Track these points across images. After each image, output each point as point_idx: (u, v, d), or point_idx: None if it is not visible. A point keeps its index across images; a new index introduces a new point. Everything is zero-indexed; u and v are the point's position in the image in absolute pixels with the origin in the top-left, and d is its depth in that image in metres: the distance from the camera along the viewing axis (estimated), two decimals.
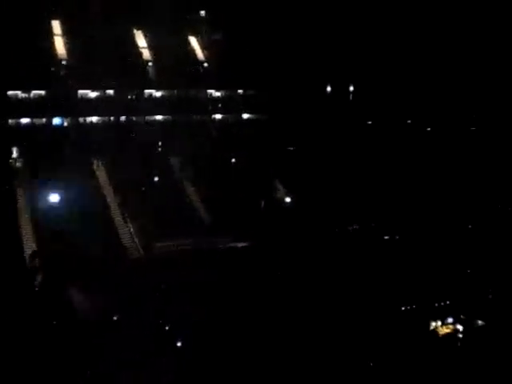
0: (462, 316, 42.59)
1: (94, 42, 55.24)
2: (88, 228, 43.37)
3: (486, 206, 51.25)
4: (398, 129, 57.00)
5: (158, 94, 58.09)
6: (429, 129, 57.16)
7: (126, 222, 47.39)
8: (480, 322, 42.39)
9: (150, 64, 58.41)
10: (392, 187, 52.50)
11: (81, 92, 54.98)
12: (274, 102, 58.68)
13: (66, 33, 56.44)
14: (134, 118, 56.29)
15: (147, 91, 57.52)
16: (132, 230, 46.89)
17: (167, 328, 37.49)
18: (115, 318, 37.38)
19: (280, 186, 54.17)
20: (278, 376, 33.86)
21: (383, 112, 57.58)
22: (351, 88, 60.15)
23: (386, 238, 49.12)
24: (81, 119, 54.67)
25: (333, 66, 58.86)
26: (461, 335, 41.99)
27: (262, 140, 55.56)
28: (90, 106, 55.10)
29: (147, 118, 56.86)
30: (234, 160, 55.90)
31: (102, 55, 54.42)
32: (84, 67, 54.37)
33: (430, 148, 55.25)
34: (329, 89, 60.32)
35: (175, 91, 58.19)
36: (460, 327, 42.28)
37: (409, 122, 57.72)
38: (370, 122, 58.15)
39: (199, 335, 36.22)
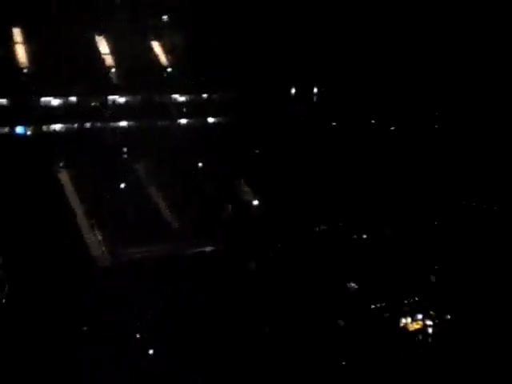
0: (431, 312, 43.30)
1: (56, 48, 54.75)
2: (54, 237, 42.84)
3: (451, 203, 51.84)
4: (363, 129, 57.59)
5: (122, 99, 57.71)
6: (392, 128, 57.78)
7: (93, 230, 46.82)
8: (449, 317, 43.17)
9: (113, 70, 58.09)
10: (359, 187, 52.90)
11: (43, 100, 54.42)
12: (238, 105, 58.96)
13: (26, 40, 55.77)
14: (98, 125, 55.79)
15: (111, 97, 57.06)
16: (99, 237, 46.35)
17: (137, 336, 37.35)
18: (85, 329, 37.00)
19: (247, 189, 54.22)
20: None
21: (347, 113, 58.24)
22: (315, 89, 60.69)
23: (354, 237, 49.41)
24: (44, 127, 54.04)
25: (296, 68, 59.15)
26: (431, 331, 42.80)
27: (228, 143, 55.50)
28: (53, 114, 54.56)
29: (112, 124, 56.42)
30: (200, 164, 55.82)
31: (63, 62, 53.97)
32: (46, 74, 53.87)
33: (394, 147, 55.88)
34: (293, 91, 60.82)
35: (139, 96, 57.85)
36: (430, 323, 43.05)
37: (373, 122, 58.28)
38: (334, 124, 58.75)
39: (170, 343, 36.18)
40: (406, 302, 44.18)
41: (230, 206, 52.10)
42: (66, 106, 55.27)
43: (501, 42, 54.20)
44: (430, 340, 42.57)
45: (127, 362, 34.20)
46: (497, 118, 53.69)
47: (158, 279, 40.56)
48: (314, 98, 61.09)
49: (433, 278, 46.42)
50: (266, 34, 58.70)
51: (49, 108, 54.92)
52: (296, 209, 50.89)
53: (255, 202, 53.12)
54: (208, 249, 46.30)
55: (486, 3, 54.31)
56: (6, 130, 52.67)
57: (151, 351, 36.58)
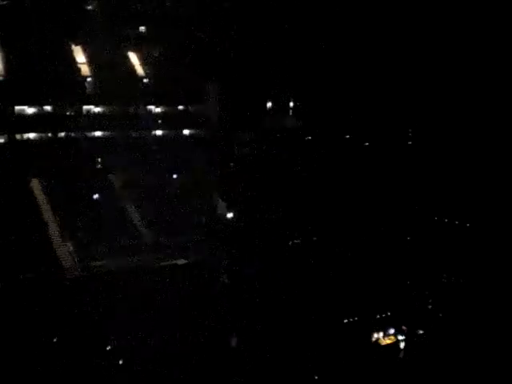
0: (403, 327, 44.05)
1: (31, 57, 54.47)
2: (24, 247, 42.73)
3: (423, 217, 52.22)
4: (337, 143, 57.93)
5: (97, 109, 57.57)
6: (367, 144, 58.13)
7: (64, 241, 46.55)
8: (421, 332, 43.53)
9: (88, 79, 57.87)
10: (333, 201, 52.70)
11: (17, 108, 54.09)
12: (214, 117, 59.11)
13: (1, 48, 55.41)
14: (72, 134, 55.56)
15: (86, 107, 56.97)
16: (71, 248, 46.04)
17: (108, 349, 37.88)
18: (54, 340, 37.06)
19: (221, 202, 54.10)
20: None
21: (322, 127, 58.48)
22: (291, 103, 60.93)
23: (327, 250, 49.17)
24: (18, 136, 53.73)
25: (272, 82, 59.44)
26: (402, 346, 43.35)
27: (203, 156, 55.51)
28: (27, 123, 54.22)
29: (86, 134, 56.27)
30: (174, 176, 55.79)
31: (39, 71, 53.73)
32: (21, 83, 53.59)
33: (368, 162, 55.91)
34: (269, 104, 60.96)
35: (115, 107, 57.72)
36: (401, 337, 43.83)
37: (347, 136, 58.67)
38: (309, 138, 58.91)
39: (142, 357, 36.35)
40: (377, 316, 44.89)
41: (203, 218, 52.02)
42: (40, 115, 54.94)
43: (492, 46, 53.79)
44: (401, 356, 43.13)
45: (96, 374, 34.73)
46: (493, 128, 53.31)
47: (130, 292, 40.23)
48: (290, 112, 61.52)
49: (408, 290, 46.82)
50: (244, 48, 59.02)
51: (23, 117, 54.48)
52: (272, 222, 50.70)
53: (229, 215, 53.02)
54: (181, 262, 46.05)
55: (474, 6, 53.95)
56: None
57: (121, 361, 37.08)
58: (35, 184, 51.05)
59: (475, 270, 46.46)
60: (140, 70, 61.37)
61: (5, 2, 55.09)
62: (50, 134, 54.95)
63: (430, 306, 46.08)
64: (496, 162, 50.49)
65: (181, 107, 60.70)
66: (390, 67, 56.91)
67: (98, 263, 45.01)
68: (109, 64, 58.23)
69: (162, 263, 46.01)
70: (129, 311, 38.63)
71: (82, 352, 36.27)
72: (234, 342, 40.24)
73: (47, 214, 48.74)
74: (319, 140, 58.24)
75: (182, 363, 36.23)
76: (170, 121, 59.96)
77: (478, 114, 52.34)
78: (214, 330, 39.62)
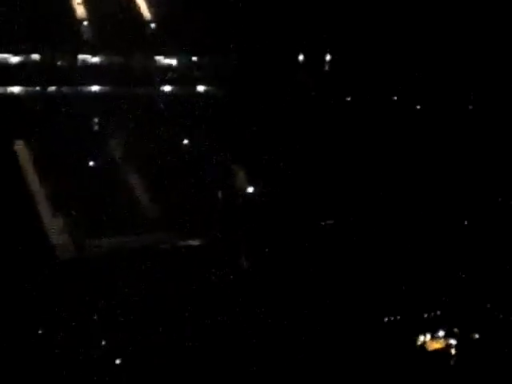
0: (455, 329, 43.99)
1: None
2: (7, 223, 42.76)
3: (484, 200, 51.16)
4: (383, 107, 56.39)
5: (95, 60, 55.90)
6: (419, 107, 56.35)
7: (55, 216, 46.55)
8: (477, 337, 43.56)
9: (85, 23, 56.50)
10: (375, 176, 52.00)
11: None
12: (235, 72, 57.60)
13: None
14: (64, 89, 54.06)
15: (81, 56, 55.27)
16: (62, 225, 46.16)
17: (104, 343, 38.25)
18: (40, 332, 37.24)
19: (242, 173, 53.33)
20: None
21: (365, 86, 56.94)
22: (327, 57, 59.22)
23: (366, 235, 48.66)
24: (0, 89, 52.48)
25: (306, 29, 57.72)
26: (454, 352, 43.36)
27: (221, 118, 54.41)
28: (11, 74, 52.94)
29: (81, 89, 54.70)
30: (186, 141, 54.57)
31: (25, 12, 52.36)
32: (3, 27, 51.81)
33: (420, 131, 54.69)
34: (301, 57, 59.26)
35: (116, 57, 56.07)
36: (453, 342, 43.74)
37: (395, 98, 56.93)
38: (349, 99, 57.33)
39: (141, 347, 37.54)
40: (425, 315, 44.58)
41: (220, 192, 51.34)
42: (26, 65, 53.56)
43: None
44: (452, 364, 42.99)
45: (89, 366, 36.05)
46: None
47: (132, 276, 41.04)
48: (326, 66, 59.57)
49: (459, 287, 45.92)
50: None
51: (5, 67, 53.13)
52: (299, 199, 50.23)
53: (250, 190, 52.14)
54: (193, 243, 46.27)
55: None
56: None
57: (118, 361, 37.67)
58: (20, 147, 50.32)
59: None
60: (147, 13, 59.64)
61: None
62: (37, 88, 53.51)
63: (489, 305, 45.41)
64: None
65: (194, 58, 58.69)
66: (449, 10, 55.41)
67: (96, 242, 45.15)
68: (109, 5, 57.19)
69: (170, 244, 45.89)
70: (129, 298, 39.60)
71: (74, 348, 36.89)
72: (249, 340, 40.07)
73: (34, 183, 48.38)
74: (361, 102, 56.73)
75: (187, 359, 37.34)
76: (182, 75, 58.11)
77: None
78: (227, 325, 39.94)
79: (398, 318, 43.69)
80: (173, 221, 47.78)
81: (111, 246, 44.75)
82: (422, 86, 56.33)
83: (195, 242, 46.27)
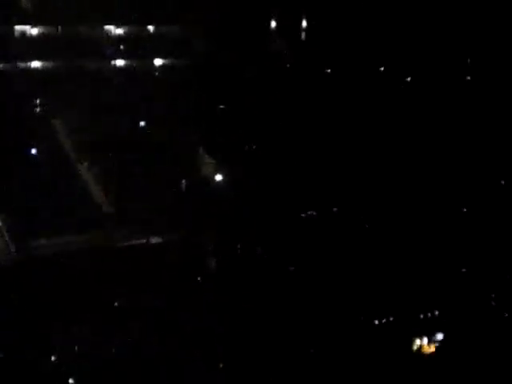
0: (454, 331, 42.25)
1: None
2: None
3: (488, 187, 49.83)
4: (367, 79, 54.54)
5: (35, 30, 53.54)
6: (409, 79, 54.32)
7: None
8: (478, 340, 40.89)
9: None
10: (359, 159, 50.05)
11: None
12: (198, 41, 55.60)
13: None
14: (1, 65, 51.51)
15: (19, 27, 52.89)
16: (1, 224, 44.14)
17: (52, 360, 35.97)
18: None
19: (208, 159, 51.05)
20: None
21: (347, 56, 55.02)
22: (303, 23, 57.13)
23: (352, 227, 46.87)
24: None
25: None
26: (452, 356, 40.83)
27: (183, 95, 51.92)
28: None
29: (20, 64, 52.34)
30: (143, 123, 52.18)
31: None
32: None
33: (409, 106, 52.98)
34: (273, 24, 57.21)
35: (59, 27, 53.63)
36: (451, 346, 41.85)
37: (381, 69, 54.89)
38: (328, 70, 55.15)
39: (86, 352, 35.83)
40: (421, 316, 42.60)
41: (183, 182, 48.72)
42: None
43: None
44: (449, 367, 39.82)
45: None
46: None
47: (80, 280, 38.57)
48: (302, 35, 57.43)
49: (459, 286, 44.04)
50: None
51: None
52: (274, 186, 47.65)
53: (218, 178, 49.68)
54: (153, 240, 44.06)
55: None
56: None
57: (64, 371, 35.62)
58: None
59: None
60: None
61: None
62: None
63: (493, 303, 43.83)
64: None
65: (151, 27, 56.60)
66: None
67: (40, 242, 42.73)
68: None
69: (128, 242, 43.74)
70: (79, 307, 37.03)
71: (19, 363, 34.30)
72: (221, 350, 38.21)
73: None
74: (343, 73, 55.17)
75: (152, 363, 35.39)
76: (137, 46, 55.87)
77: None
78: (197, 332, 37.44)
79: (391, 319, 41.73)
80: (130, 216, 45.11)
81: (55, 246, 42.13)
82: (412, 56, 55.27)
83: (155, 240, 44.04)
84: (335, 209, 48.86)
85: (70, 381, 35.49)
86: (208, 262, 44.12)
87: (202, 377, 35.77)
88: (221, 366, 37.38)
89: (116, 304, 39.08)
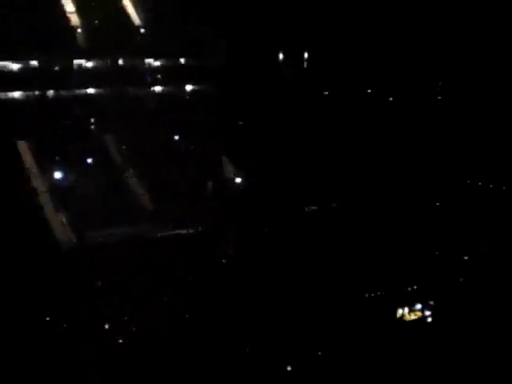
0: (431, 302, 45.06)
1: (14, 7, 54.06)
2: (13, 219, 43.14)
3: (455, 182, 52.69)
4: (358, 99, 57.69)
5: (89, 64, 57.31)
6: (391, 99, 58.01)
7: (56, 210, 47.47)
8: (451, 309, 44.53)
9: (79, 30, 57.79)
10: (353, 164, 53.27)
11: (0, 64, 54.09)
12: (221, 71, 58.54)
13: None
14: (62, 92, 55.46)
15: (76, 61, 56.55)
16: (64, 218, 46.96)
17: (106, 327, 38.43)
18: (48, 319, 37.65)
19: (230, 166, 54.67)
20: None
21: (341, 81, 58.16)
22: (305, 55, 60.68)
23: (348, 218, 49.84)
24: (1, 94, 53.77)
25: (285, 30, 59.02)
26: (429, 322, 44.65)
27: (209, 114, 55.20)
28: (12, 80, 54.46)
29: (77, 91, 56.04)
30: (176, 137, 55.98)
31: (23, 22, 53.45)
32: (4, 36, 52.98)
33: (393, 122, 56.01)
34: (281, 56, 60.72)
35: (108, 61, 57.50)
36: (429, 313, 44.90)
37: (369, 91, 58.56)
38: (326, 93, 58.73)
39: (140, 335, 37.63)
40: (403, 290, 45.53)
41: (210, 183, 52.72)
42: (25, 71, 55.03)
43: None
44: (429, 333, 43.91)
45: (92, 355, 35.12)
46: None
47: (130, 265, 40.87)
48: (304, 65, 61.18)
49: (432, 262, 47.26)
50: None
51: (6, 73, 54.59)
52: (286, 189, 51.22)
53: (238, 180, 53.73)
54: (185, 232, 46.76)
55: None
56: None
57: (120, 340, 37.81)
58: (22, 148, 51.26)
59: None
60: (136, 19, 61.36)
61: None
62: (37, 92, 54.92)
63: (461, 279, 46.69)
64: None
65: (182, 60, 60.38)
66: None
67: (94, 233, 45.58)
68: (101, 12, 58.21)
69: (165, 233, 46.27)
70: (128, 287, 39.28)
71: (79, 331, 36.84)
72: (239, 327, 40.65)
73: (36, 181, 49.42)
74: (337, 95, 57.86)
75: (188, 348, 37.19)
76: (171, 75, 59.42)
77: None
78: (220, 311, 40.00)
79: (379, 293, 44.23)
80: (166, 212, 48.15)
81: (107, 236, 45.15)
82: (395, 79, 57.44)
83: (184, 231, 46.52)
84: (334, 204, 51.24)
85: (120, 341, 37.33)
86: (228, 248, 45.97)
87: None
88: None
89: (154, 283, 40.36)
